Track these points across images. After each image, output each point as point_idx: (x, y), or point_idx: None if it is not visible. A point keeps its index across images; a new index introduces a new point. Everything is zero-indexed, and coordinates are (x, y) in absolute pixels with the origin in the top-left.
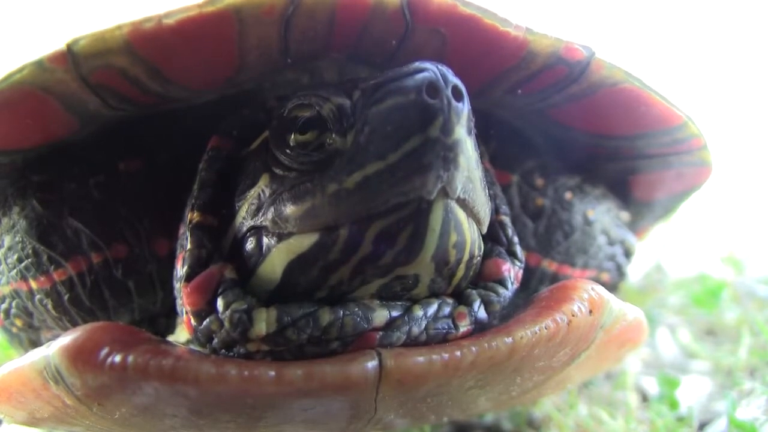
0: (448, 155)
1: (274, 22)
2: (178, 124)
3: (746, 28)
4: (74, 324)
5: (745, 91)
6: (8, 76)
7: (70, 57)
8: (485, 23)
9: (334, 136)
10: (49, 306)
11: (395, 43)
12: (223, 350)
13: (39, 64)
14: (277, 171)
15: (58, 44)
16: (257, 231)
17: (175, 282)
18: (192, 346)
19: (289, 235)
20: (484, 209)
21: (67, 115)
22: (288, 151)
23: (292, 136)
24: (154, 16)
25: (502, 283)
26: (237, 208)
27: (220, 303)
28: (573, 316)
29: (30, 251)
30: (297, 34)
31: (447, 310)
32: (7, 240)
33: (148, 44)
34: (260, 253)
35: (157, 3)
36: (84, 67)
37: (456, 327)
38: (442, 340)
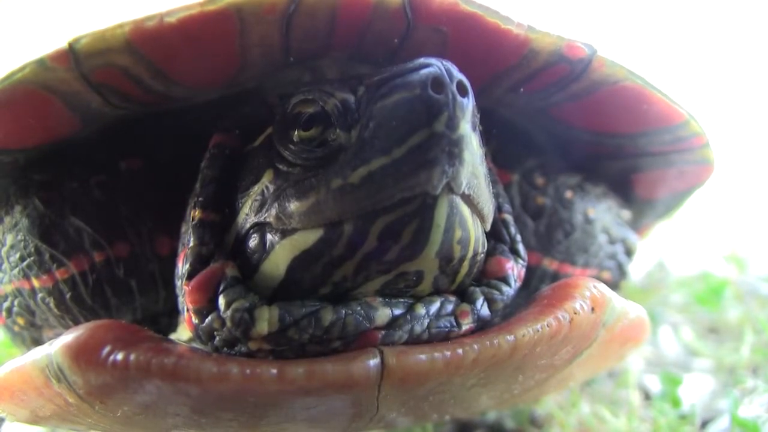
0: (453, 150)
1: (275, 20)
2: (179, 123)
3: (746, 28)
4: (76, 322)
5: (746, 89)
6: (10, 75)
7: (71, 56)
8: (487, 21)
9: (338, 131)
10: (51, 304)
11: (397, 41)
12: (225, 348)
13: (41, 63)
14: (281, 167)
15: (60, 43)
16: (261, 227)
17: (176, 280)
18: (194, 345)
19: (293, 231)
20: (488, 206)
21: (69, 114)
22: (292, 147)
23: (296, 132)
24: (155, 15)
25: (505, 281)
26: (240, 205)
27: (221, 301)
28: (575, 313)
29: (32, 250)
30: (298, 32)
31: (449, 308)
32: (9, 238)
33: (149, 43)
34: (263, 249)
35: (158, 2)
36: (86, 65)
37: (458, 325)
38: (445, 338)
